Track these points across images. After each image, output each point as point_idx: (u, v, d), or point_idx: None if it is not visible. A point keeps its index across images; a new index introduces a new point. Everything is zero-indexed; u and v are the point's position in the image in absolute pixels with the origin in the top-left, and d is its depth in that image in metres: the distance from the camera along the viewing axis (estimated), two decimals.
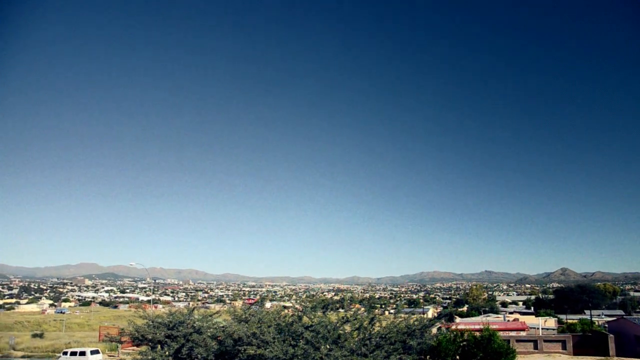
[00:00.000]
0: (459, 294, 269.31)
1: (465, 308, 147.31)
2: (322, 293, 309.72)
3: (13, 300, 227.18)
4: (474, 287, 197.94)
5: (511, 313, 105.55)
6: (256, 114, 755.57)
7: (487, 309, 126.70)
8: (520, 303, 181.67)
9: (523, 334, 52.89)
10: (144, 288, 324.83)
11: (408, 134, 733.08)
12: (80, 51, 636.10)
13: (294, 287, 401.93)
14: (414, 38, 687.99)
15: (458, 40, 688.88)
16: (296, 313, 26.08)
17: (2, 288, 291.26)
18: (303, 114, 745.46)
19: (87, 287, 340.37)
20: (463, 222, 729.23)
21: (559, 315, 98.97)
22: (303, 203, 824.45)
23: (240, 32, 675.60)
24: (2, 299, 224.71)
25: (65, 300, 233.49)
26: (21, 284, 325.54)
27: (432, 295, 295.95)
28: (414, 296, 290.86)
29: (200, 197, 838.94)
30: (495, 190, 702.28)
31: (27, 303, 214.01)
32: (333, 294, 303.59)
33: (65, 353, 46.21)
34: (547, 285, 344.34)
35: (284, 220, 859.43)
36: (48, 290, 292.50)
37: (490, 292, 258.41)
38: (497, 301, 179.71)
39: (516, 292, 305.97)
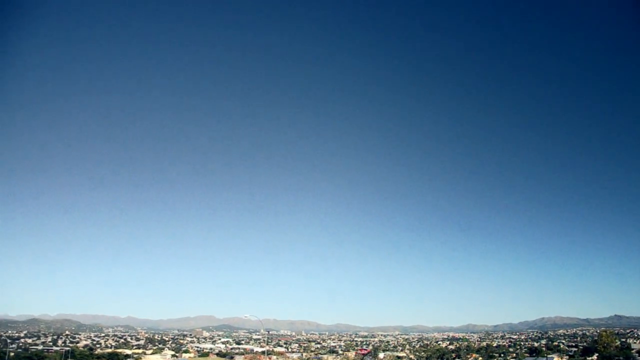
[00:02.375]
0: (586, 341, 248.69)
1: (594, 357, 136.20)
2: (437, 342, 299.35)
3: (140, 351, 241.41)
4: (604, 333, 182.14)
5: None
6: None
7: (621, 358, 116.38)
8: None
9: None
10: (258, 339, 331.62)
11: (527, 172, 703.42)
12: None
13: (406, 337, 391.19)
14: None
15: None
16: None
17: (131, 339, 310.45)
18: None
19: (205, 338, 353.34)
20: (587, 261, 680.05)
21: None
22: (413, 250, 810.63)
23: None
24: (130, 349, 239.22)
25: (186, 352, 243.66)
26: (147, 335, 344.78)
27: (555, 343, 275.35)
28: (535, 344, 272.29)
29: (310, 250, 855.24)
30: (625, 221, 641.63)
31: (152, 353, 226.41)
32: (448, 342, 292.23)
33: None
34: None
35: (396, 269, 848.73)
36: (170, 342, 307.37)
37: (622, 339, 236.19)
38: (632, 349, 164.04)
39: None
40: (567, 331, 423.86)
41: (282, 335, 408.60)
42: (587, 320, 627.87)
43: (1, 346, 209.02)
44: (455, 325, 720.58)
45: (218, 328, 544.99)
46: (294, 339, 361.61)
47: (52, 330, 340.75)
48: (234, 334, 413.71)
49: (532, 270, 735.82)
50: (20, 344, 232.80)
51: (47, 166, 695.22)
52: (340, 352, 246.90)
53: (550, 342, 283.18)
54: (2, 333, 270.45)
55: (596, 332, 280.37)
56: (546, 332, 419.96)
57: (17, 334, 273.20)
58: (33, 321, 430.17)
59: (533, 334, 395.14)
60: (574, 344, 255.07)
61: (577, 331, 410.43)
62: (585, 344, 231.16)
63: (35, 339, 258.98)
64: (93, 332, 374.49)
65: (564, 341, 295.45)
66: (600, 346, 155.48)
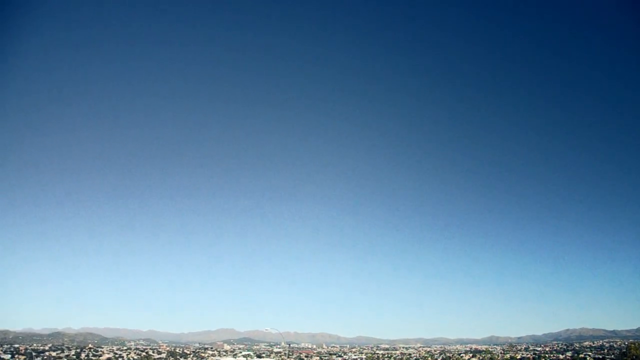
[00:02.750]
0: (613, 354, 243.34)
1: None
2: (459, 354, 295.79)
3: None
4: (632, 345, 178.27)
5: None
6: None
7: None
8: None
9: None
10: (279, 352, 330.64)
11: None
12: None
13: (428, 349, 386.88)
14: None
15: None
16: None
17: (152, 352, 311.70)
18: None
19: (226, 351, 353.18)
20: (613, 270, 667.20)
21: None
22: (435, 261, 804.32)
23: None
24: None
25: None
26: (168, 348, 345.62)
27: (581, 355, 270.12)
28: (561, 356, 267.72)
29: (330, 262, 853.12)
30: None
31: None
32: (470, 355, 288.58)
33: None
34: None
35: (417, 281, 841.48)
36: (191, 355, 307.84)
37: None
38: None
39: None
40: (594, 343, 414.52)
41: (302, 348, 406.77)
42: (614, 331, 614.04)
43: (26, 359, 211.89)
44: (478, 337, 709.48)
45: (239, 341, 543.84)
46: (314, 352, 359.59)
47: (75, 344, 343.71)
48: (255, 347, 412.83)
49: (556, 281, 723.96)
50: (45, 357, 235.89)
51: (62, 174, 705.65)
52: None
53: (576, 355, 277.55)
54: (27, 346, 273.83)
55: (624, 344, 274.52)
56: (571, 344, 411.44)
57: (41, 347, 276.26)
58: (57, 334, 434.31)
59: (558, 346, 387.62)
60: (601, 357, 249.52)
61: (604, 343, 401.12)
62: (612, 356, 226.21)
63: (59, 352, 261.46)
64: (115, 345, 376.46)
65: (590, 353, 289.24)
66: (629, 358, 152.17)
